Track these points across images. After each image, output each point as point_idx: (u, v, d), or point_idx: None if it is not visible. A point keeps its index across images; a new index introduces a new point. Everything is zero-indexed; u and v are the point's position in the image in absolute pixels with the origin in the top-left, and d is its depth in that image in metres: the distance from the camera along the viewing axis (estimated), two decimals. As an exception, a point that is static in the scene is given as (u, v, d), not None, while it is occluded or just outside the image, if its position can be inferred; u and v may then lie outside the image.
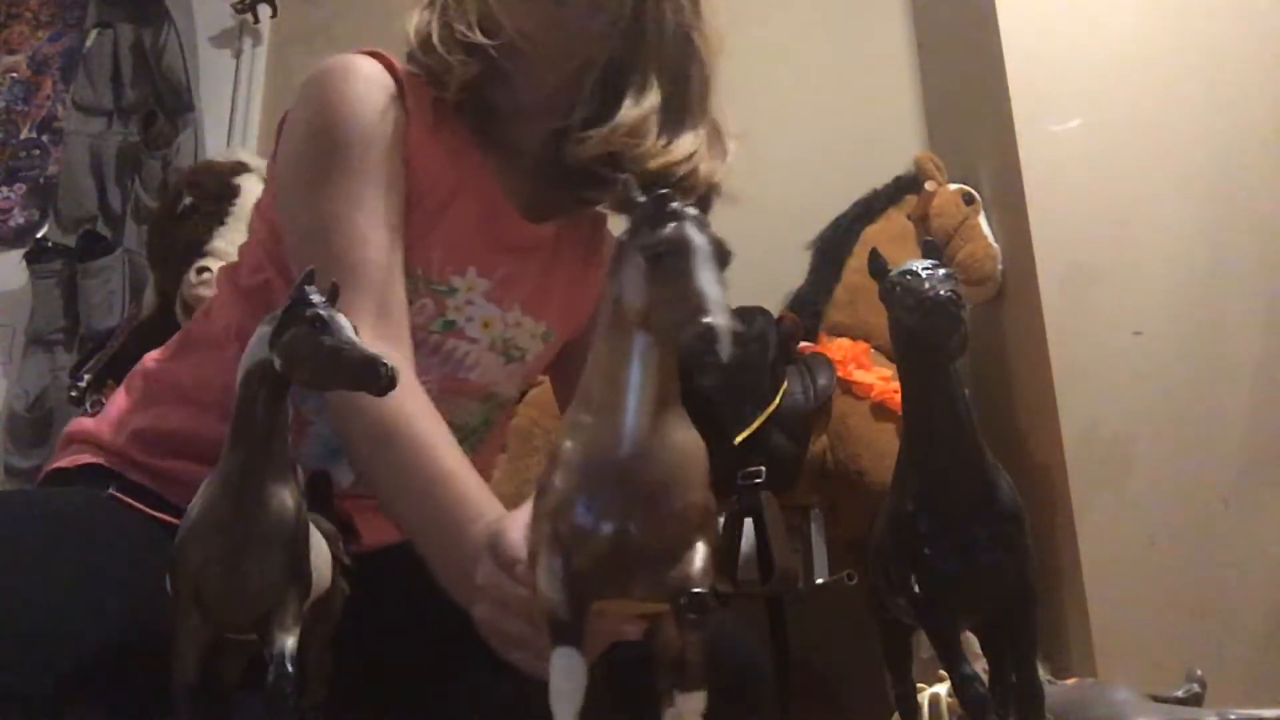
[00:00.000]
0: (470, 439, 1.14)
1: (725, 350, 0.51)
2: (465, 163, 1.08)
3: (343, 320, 0.69)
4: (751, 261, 2.12)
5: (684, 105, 1.08)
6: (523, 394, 1.69)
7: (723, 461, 1.67)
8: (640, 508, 0.58)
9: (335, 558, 0.89)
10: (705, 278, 0.54)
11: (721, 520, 1.68)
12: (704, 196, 0.66)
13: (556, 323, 1.18)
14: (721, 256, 0.57)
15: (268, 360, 0.70)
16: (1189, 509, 1.61)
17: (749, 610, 1.79)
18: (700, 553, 0.58)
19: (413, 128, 1.03)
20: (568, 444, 0.61)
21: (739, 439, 1.67)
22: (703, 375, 1.70)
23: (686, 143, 1.06)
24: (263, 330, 0.71)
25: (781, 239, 2.04)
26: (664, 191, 0.58)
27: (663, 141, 1.04)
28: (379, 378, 0.66)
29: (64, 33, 2.91)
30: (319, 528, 0.85)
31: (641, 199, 0.59)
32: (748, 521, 1.67)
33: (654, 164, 1.03)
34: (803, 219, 2.02)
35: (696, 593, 0.56)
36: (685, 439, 0.60)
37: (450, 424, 0.92)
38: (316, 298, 0.69)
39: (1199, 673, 1.01)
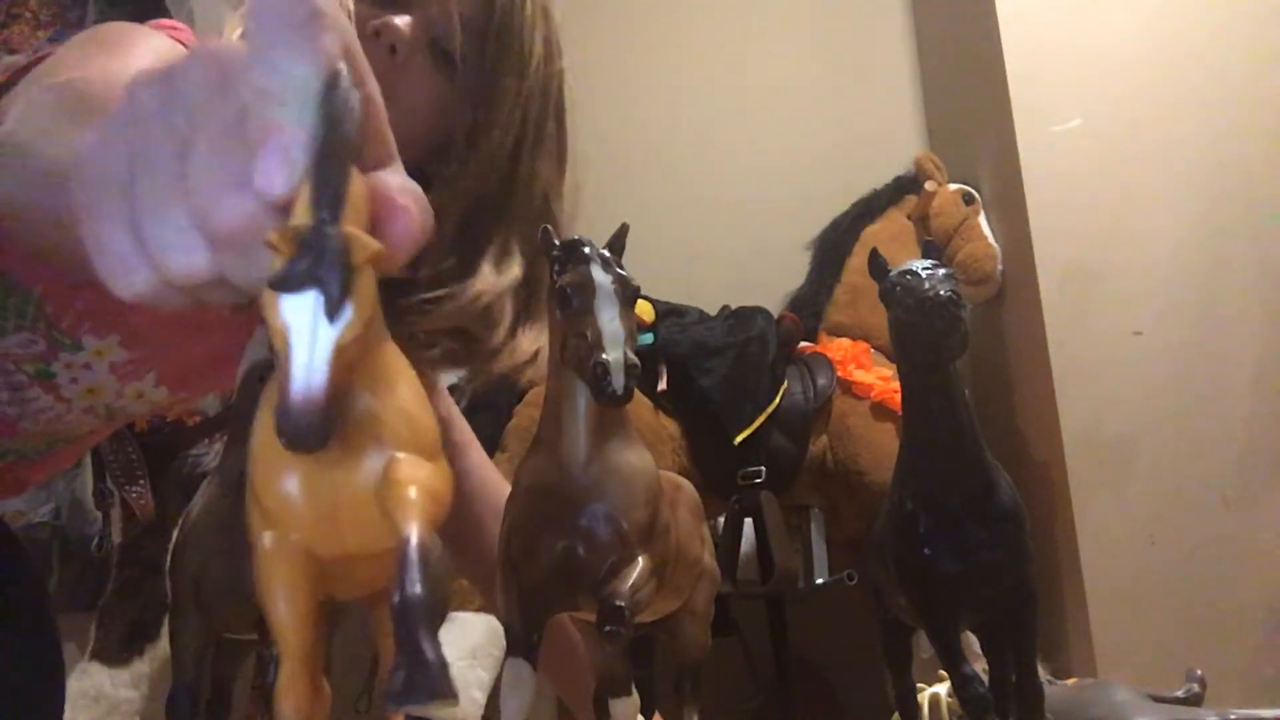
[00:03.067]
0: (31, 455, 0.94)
1: (619, 383, 0.57)
2: None
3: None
4: (751, 261, 2.16)
5: (537, 290, 0.87)
6: (522, 394, 1.69)
7: (723, 461, 1.68)
8: (583, 529, 0.62)
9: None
10: (604, 315, 0.59)
11: (721, 520, 1.68)
12: (617, 235, 0.66)
13: (201, 390, 0.99)
14: (626, 294, 0.61)
15: (268, 360, 0.70)
16: (1189, 509, 1.62)
17: (749, 610, 1.79)
18: (637, 568, 0.62)
19: None
20: (522, 473, 0.66)
21: (739, 439, 1.67)
22: (703, 377, 1.70)
23: (530, 339, 0.88)
24: (263, 330, 0.71)
25: (781, 239, 2.05)
26: (577, 238, 0.63)
27: (510, 337, 0.86)
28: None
29: (64, 32, 2.91)
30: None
31: (558, 245, 0.63)
32: (748, 521, 1.68)
33: (498, 365, 0.86)
34: (803, 219, 2.02)
35: (616, 606, 0.59)
36: (629, 461, 0.65)
37: None
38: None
39: (1199, 673, 1.00)
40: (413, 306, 0.82)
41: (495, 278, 0.84)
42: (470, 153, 0.83)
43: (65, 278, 0.76)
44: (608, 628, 0.59)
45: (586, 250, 0.63)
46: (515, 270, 0.85)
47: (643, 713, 0.74)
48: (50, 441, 0.95)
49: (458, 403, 1.70)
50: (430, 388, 1.00)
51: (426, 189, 0.74)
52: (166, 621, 0.76)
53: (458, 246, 0.84)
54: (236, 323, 0.85)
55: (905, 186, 1.98)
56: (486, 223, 0.85)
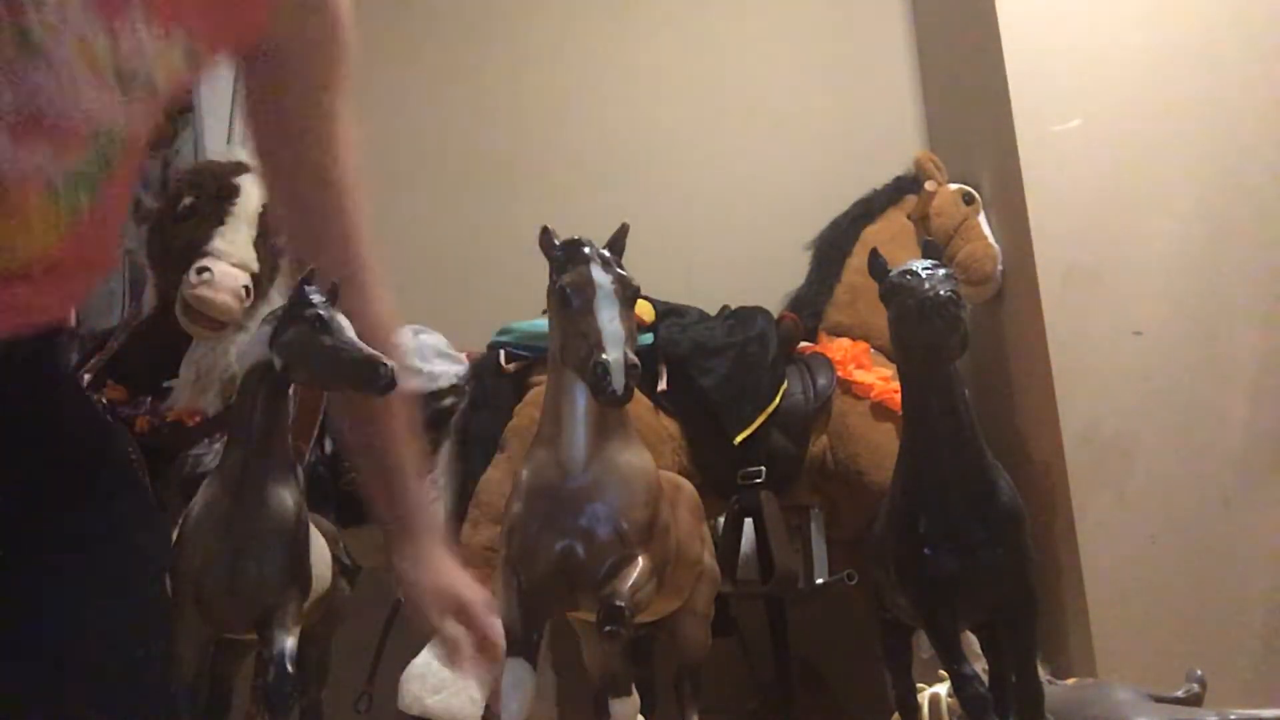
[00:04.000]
0: (81, 184, 0.74)
1: (619, 383, 0.58)
2: None
3: (343, 320, 0.69)
4: (751, 261, 2.16)
5: None
6: (522, 394, 1.68)
7: (723, 461, 1.68)
8: (583, 529, 0.64)
9: (335, 557, 0.90)
10: (604, 315, 0.60)
11: (721, 520, 1.68)
12: (617, 235, 0.66)
13: (205, 28, 0.80)
14: (626, 294, 0.63)
15: (268, 360, 0.70)
16: (1189, 509, 1.62)
17: (749, 610, 1.79)
18: (637, 568, 0.62)
19: None
20: (523, 473, 0.67)
21: (739, 439, 1.67)
22: (703, 377, 1.70)
23: None
24: (263, 329, 0.71)
25: (781, 239, 2.05)
26: (577, 238, 0.65)
27: None
28: (379, 378, 0.66)
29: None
30: (319, 528, 0.85)
31: (558, 246, 0.65)
32: (748, 521, 1.67)
33: None
34: (803, 219, 2.02)
35: (616, 606, 0.59)
36: (629, 461, 0.66)
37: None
38: (316, 297, 0.69)
39: (1199, 673, 1.01)
40: None
41: None
42: None
43: None
44: (608, 628, 0.59)
45: (586, 250, 0.63)
46: None
47: (642, 713, 0.74)
48: (101, 152, 0.73)
49: (457, 404, 1.70)
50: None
51: None
52: (166, 621, 0.76)
53: None
54: None
55: (905, 186, 1.98)
56: None
